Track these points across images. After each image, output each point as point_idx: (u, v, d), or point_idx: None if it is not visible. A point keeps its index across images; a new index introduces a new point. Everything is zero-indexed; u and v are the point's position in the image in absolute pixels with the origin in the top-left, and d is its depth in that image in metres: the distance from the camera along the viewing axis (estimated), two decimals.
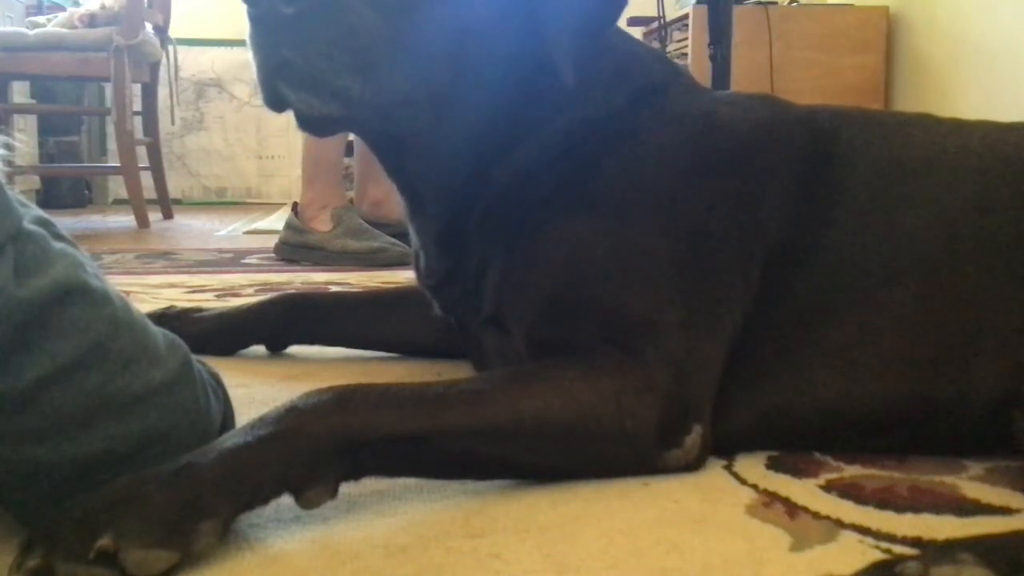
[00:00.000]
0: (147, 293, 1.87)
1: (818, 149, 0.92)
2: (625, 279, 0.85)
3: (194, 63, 5.09)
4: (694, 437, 0.80)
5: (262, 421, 0.69)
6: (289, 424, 0.68)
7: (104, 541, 0.58)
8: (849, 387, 0.84)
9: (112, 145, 4.45)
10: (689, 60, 3.60)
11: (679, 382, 0.80)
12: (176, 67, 3.91)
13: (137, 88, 3.79)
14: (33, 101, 4.50)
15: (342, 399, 0.71)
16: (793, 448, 0.86)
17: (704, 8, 2.77)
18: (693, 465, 0.80)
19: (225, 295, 1.85)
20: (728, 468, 0.82)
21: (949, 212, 0.87)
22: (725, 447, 0.84)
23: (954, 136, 0.94)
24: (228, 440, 0.68)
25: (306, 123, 0.88)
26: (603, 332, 0.82)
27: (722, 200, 0.88)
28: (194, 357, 0.74)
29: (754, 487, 0.78)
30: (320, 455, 0.68)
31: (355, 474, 0.72)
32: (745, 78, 3.14)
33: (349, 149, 2.65)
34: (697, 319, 0.83)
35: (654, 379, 0.79)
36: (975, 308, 0.84)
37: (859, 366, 0.84)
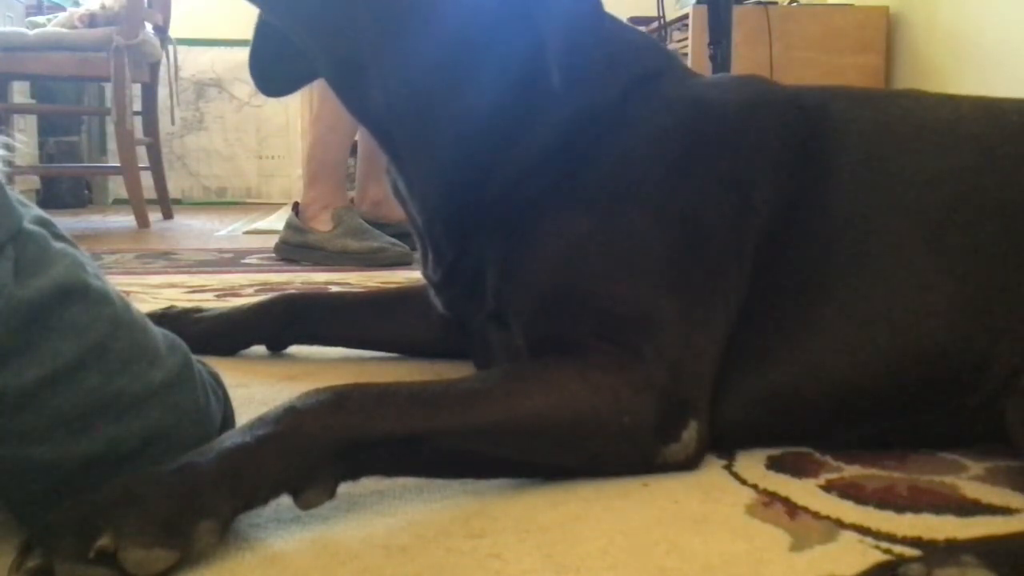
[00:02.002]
0: (147, 293, 1.87)
1: (807, 124, 0.91)
2: (619, 273, 0.85)
3: (194, 63, 5.09)
4: (691, 432, 0.80)
5: (261, 421, 0.69)
6: (287, 424, 0.68)
7: (103, 541, 0.58)
8: (847, 366, 0.83)
9: (112, 145, 4.45)
10: (689, 60, 3.60)
11: (675, 377, 0.80)
12: (176, 67, 3.90)
13: (137, 88, 3.79)
14: (33, 101, 4.49)
15: (340, 399, 0.71)
16: (794, 435, 0.86)
17: (704, 8, 2.77)
18: (693, 459, 0.80)
19: (225, 295, 1.85)
20: (728, 468, 0.82)
21: (945, 181, 0.86)
22: (726, 435, 0.84)
23: (945, 105, 0.94)
24: (227, 440, 0.67)
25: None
26: (599, 328, 0.82)
27: (713, 185, 0.88)
28: (194, 357, 0.74)
29: (754, 487, 0.78)
30: (318, 455, 0.68)
31: (354, 474, 0.72)
32: None
33: (353, 150, 2.65)
34: (693, 311, 0.83)
35: (651, 375, 0.79)
36: (972, 280, 0.83)
37: (857, 344, 0.83)
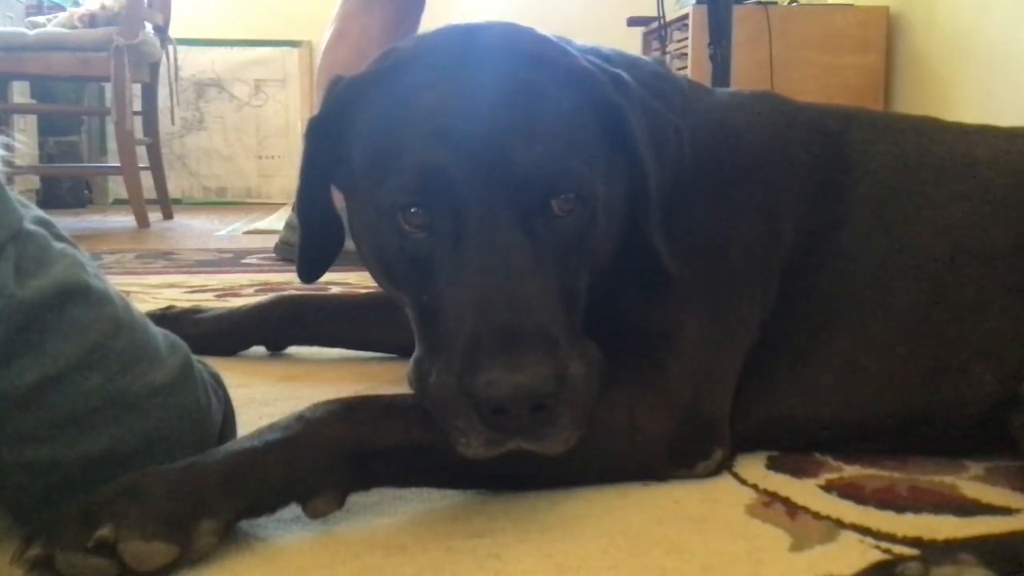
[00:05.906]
0: (147, 293, 1.87)
1: (830, 155, 0.93)
2: (649, 292, 0.84)
3: (194, 63, 5.09)
4: (709, 464, 0.80)
5: (271, 427, 0.70)
6: (296, 431, 0.69)
7: (103, 531, 0.58)
8: (852, 393, 0.85)
9: (112, 145, 4.45)
10: (689, 60, 3.60)
11: (697, 398, 0.80)
12: (176, 67, 3.90)
13: (137, 88, 3.79)
14: (33, 101, 4.49)
15: (348, 410, 0.72)
16: (792, 449, 0.86)
17: (704, 8, 2.78)
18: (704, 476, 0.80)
19: (225, 295, 1.85)
20: (728, 468, 0.82)
21: (954, 222, 0.88)
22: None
23: (961, 145, 0.95)
24: (235, 444, 0.68)
25: None
26: (625, 340, 0.81)
27: (742, 213, 0.89)
28: (195, 357, 0.74)
29: (754, 487, 0.78)
30: (327, 463, 0.68)
31: (364, 484, 0.72)
32: (745, 78, 3.14)
33: None
34: (718, 335, 0.84)
35: (673, 394, 0.79)
36: (975, 316, 0.84)
37: (863, 373, 0.85)
